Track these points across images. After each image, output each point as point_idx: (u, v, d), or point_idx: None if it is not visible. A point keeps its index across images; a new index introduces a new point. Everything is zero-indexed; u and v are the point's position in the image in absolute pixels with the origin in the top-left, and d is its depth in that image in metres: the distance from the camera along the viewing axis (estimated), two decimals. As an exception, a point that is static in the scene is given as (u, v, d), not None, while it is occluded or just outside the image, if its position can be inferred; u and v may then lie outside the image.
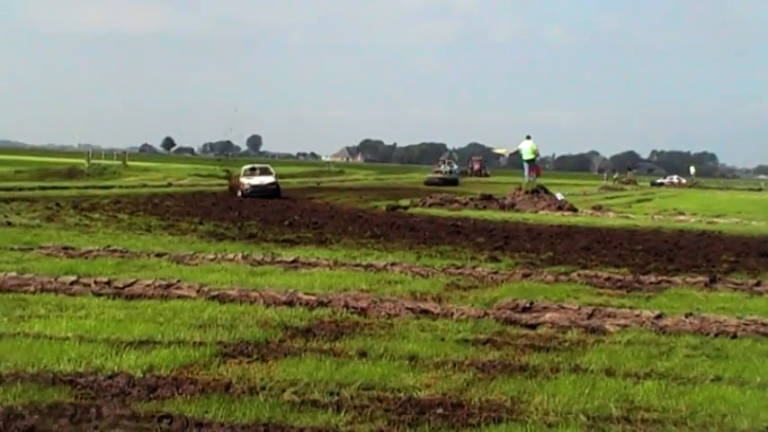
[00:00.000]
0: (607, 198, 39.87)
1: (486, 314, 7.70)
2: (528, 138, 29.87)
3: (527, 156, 29.84)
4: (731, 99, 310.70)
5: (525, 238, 16.23)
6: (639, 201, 38.78)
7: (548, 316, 7.60)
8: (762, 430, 4.83)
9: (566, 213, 24.89)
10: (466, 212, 24.04)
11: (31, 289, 8.32)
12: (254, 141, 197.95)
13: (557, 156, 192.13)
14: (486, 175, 72.27)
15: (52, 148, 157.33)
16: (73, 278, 8.72)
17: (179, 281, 8.64)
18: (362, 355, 6.14)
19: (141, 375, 5.45)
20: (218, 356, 6.03)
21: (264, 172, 31.05)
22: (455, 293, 9.22)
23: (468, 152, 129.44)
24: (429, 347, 6.41)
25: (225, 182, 33.13)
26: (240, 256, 11.35)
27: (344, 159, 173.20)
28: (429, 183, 49.97)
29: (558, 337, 7.05)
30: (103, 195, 26.73)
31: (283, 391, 5.18)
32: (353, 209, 24.90)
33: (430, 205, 26.24)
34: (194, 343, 6.32)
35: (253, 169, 31.43)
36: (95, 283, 8.52)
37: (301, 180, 50.19)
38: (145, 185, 35.95)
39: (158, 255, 11.34)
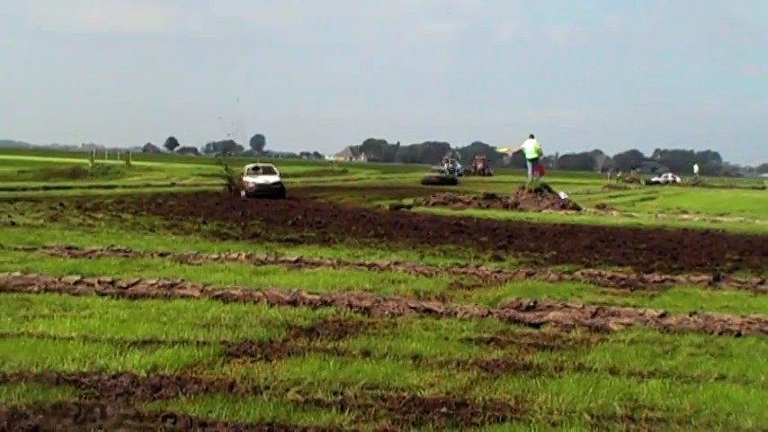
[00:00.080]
0: (611, 197, 39.84)
1: (489, 313, 7.69)
2: (531, 137, 29.87)
3: (530, 155, 29.84)
4: (735, 98, 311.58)
5: (529, 237, 16.22)
6: (643, 199, 38.80)
7: (551, 315, 7.59)
8: (766, 429, 4.82)
9: (569, 212, 24.90)
10: (469, 211, 24.02)
11: (35, 289, 8.33)
12: (258, 141, 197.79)
13: (560, 155, 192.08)
14: (490, 174, 72.06)
15: (56, 148, 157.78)
16: (77, 278, 8.73)
17: (183, 280, 8.64)
18: (366, 354, 6.13)
19: (145, 375, 5.46)
20: (222, 356, 6.03)
21: (268, 171, 30.65)
22: (459, 292, 9.21)
23: (472, 151, 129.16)
24: (433, 347, 6.40)
25: (224, 181, 31.18)
26: (244, 255, 11.36)
27: (348, 159, 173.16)
28: (426, 182, 47.59)
29: (562, 336, 7.04)
30: (107, 195, 26.72)
31: (287, 390, 5.18)
32: (357, 208, 24.89)
33: (433, 204, 26.21)
34: (198, 342, 6.33)
35: (256, 168, 30.95)
36: (99, 282, 8.52)
37: (305, 179, 50.16)
38: (148, 185, 35.93)
39: (162, 254, 11.35)
